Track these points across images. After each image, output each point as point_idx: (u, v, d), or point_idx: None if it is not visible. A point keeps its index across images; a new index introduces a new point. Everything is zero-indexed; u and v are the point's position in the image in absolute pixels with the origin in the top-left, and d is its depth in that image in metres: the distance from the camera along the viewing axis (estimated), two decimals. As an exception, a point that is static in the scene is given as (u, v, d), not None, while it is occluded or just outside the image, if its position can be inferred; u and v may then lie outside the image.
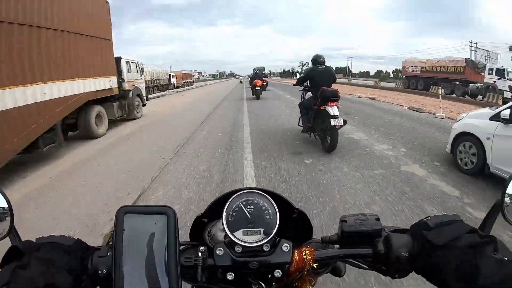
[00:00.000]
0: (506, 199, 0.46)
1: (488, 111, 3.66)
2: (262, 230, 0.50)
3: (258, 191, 0.54)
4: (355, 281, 1.76)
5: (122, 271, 0.44)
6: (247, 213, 0.51)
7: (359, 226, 0.50)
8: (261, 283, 0.50)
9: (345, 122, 4.48)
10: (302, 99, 5.40)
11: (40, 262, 0.42)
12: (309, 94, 5.12)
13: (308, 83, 5.19)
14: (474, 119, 3.85)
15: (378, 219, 0.51)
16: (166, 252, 0.45)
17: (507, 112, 3.21)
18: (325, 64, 5.11)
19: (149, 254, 0.45)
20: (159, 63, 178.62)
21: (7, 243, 0.45)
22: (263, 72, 17.10)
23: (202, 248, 0.49)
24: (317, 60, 5.06)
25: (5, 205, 0.51)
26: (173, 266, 0.44)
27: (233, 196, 0.53)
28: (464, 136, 3.84)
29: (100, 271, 0.46)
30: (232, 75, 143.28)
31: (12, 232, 0.49)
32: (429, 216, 0.47)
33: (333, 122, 4.32)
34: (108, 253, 0.47)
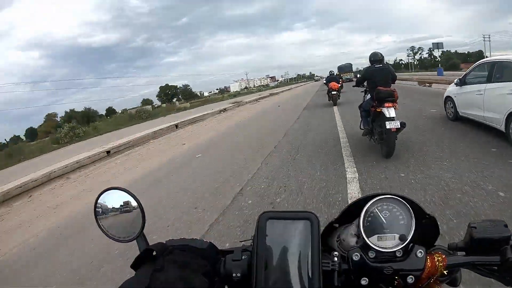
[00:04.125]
0: None
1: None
2: (397, 235, 0.50)
3: (393, 197, 0.53)
4: None
5: (263, 275, 0.44)
6: (382, 219, 0.51)
7: (489, 232, 0.48)
8: None
9: (403, 124, 4.12)
10: (363, 101, 5.14)
11: (176, 265, 0.43)
12: (369, 95, 4.82)
13: (366, 83, 4.93)
14: (451, 87, 6.43)
15: (506, 226, 0.49)
16: (309, 259, 0.45)
17: (457, 80, 6.07)
18: (383, 62, 4.80)
19: (291, 259, 0.46)
20: (240, 72, 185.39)
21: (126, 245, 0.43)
22: (337, 74, 15.20)
23: (335, 253, 0.50)
24: (375, 59, 4.76)
25: (137, 208, 0.54)
26: (316, 272, 0.45)
27: (370, 202, 0.53)
28: (447, 98, 6.44)
29: (234, 275, 0.47)
30: (311, 77, 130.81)
31: (141, 236, 0.52)
32: None
33: (388, 124, 4.02)
34: (243, 257, 0.49)
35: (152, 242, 0.50)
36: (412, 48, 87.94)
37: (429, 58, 79.53)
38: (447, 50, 75.83)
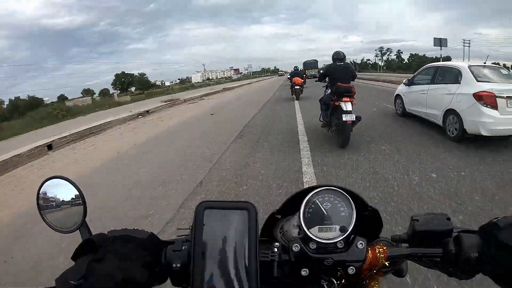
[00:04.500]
0: None
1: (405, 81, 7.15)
2: (337, 227, 0.50)
3: (335, 188, 0.54)
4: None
5: (201, 265, 0.45)
6: (323, 210, 0.52)
7: (431, 225, 0.50)
8: (333, 279, 0.50)
9: (358, 118, 4.51)
10: (323, 95, 5.52)
11: (116, 255, 0.43)
12: (330, 90, 5.20)
13: (327, 79, 5.31)
14: (401, 86, 7.33)
15: (448, 219, 0.51)
16: (246, 248, 0.46)
17: (406, 81, 7.04)
18: (344, 61, 5.24)
19: (229, 249, 0.46)
20: (205, 62, 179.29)
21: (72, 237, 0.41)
22: (301, 70, 14.99)
23: (276, 244, 0.50)
24: (337, 57, 5.16)
25: (79, 199, 0.52)
26: (253, 262, 0.45)
27: (311, 193, 0.53)
28: (397, 96, 7.31)
29: (174, 265, 0.47)
30: (276, 71, 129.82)
31: (83, 226, 0.51)
32: (498, 217, 0.47)
33: (344, 117, 4.41)
34: (183, 247, 0.48)
35: None
36: (381, 48, 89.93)
37: (397, 60, 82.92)
38: (415, 54, 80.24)
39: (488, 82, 4.62)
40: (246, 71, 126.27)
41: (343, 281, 0.50)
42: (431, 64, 6.52)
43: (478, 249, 0.45)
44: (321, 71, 6.54)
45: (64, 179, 0.54)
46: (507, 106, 4.27)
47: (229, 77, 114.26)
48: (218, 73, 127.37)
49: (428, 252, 0.50)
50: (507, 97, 4.28)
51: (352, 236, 0.51)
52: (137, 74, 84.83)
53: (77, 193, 0.53)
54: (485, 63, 5.18)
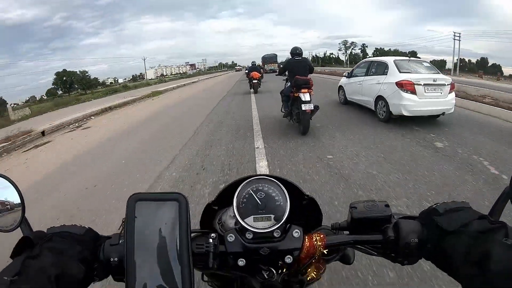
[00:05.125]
0: None
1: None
2: (272, 216, 0.51)
3: (268, 178, 0.55)
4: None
5: (134, 259, 0.44)
6: (257, 200, 0.52)
7: (368, 212, 0.51)
8: (272, 269, 0.50)
9: (316, 107, 4.97)
10: (284, 88, 5.94)
11: (51, 252, 0.43)
12: (289, 83, 5.59)
13: (287, 73, 5.77)
14: (343, 79, 8.37)
15: (387, 206, 0.51)
16: (178, 240, 0.45)
17: (346, 73, 8.15)
18: (302, 56, 5.76)
19: (161, 241, 0.45)
20: (162, 57, 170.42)
21: (18, 235, 0.44)
22: (258, 64, 15.65)
23: (213, 235, 0.50)
24: (295, 52, 5.63)
25: (16, 196, 0.50)
26: (185, 253, 0.45)
27: (243, 183, 0.54)
28: (340, 87, 8.43)
29: (112, 259, 0.47)
30: (233, 66, 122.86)
31: (23, 222, 0.49)
32: (438, 203, 0.48)
33: (303, 107, 4.87)
34: (120, 241, 0.48)
35: None
36: (344, 42, 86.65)
37: (361, 54, 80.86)
38: (380, 48, 79.29)
39: (409, 72, 5.74)
40: (203, 66, 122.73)
41: (284, 270, 0.51)
42: (366, 59, 7.72)
43: (417, 235, 0.46)
44: (281, 66, 7.07)
45: (1, 177, 0.51)
46: (424, 91, 5.42)
47: (184, 72, 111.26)
48: (173, 68, 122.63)
49: (367, 239, 0.51)
50: (424, 84, 5.43)
51: (288, 225, 0.51)
52: (79, 73, 74.86)
53: (15, 190, 0.51)
54: (409, 58, 6.32)
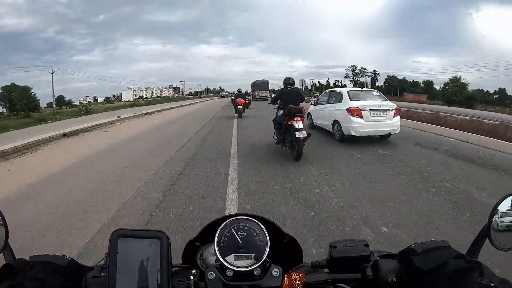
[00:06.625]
0: (493, 224, 0.49)
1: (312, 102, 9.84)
2: (253, 255, 0.53)
3: (249, 218, 0.57)
4: None
5: None
6: (238, 239, 0.54)
7: (348, 252, 0.53)
8: None
9: (309, 134, 5.17)
10: (276, 116, 6.22)
11: (33, 281, 0.43)
12: (282, 111, 5.89)
13: (280, 102, 6.09)
14: (311, 106, 9.65)
15: (366, 245, 0.54)
16: (158, 275, 0.47)
17: (312, 101, 10.02)
18: (294, 85, 6.22)
19: (142, 276, 0.47)
20: (152, 80, 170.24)
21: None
22: (245, 91, 16.64)
23: (194, 271, 0.52)
24: (287, 82, 6.03)
25: (1, 222, 0.51)
26: None
27: (225, 222, 0.56)
28: (309, 113, 9.48)
29: None
30: (218, 92, 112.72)
31: (6, 248, 0.50)
32: (416, 242, 0.50)
33: (297, 134, 5.03)
34: (102, 274, 0.50)
35: None
36: (353, 68, 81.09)
37: (370, 82, 76.40)
38: (393, 76, 75.47)
39: (358, 101, 7.08)
40: (187, 91, 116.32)
41: None
42: (328, 90, 9.53)
43: (396, 274, 0.48)
44: (273, 95, 7.85)
45: None
46: (370, 116, 6.84)
47: (165, 96, 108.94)
48: (155, 91, 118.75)
49: (346, 277, 0.53)
50: (370, 110, 6.76)
51: (268, 264, 0.54)
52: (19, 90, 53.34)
53: None
54: (362, 88, 7.92)
